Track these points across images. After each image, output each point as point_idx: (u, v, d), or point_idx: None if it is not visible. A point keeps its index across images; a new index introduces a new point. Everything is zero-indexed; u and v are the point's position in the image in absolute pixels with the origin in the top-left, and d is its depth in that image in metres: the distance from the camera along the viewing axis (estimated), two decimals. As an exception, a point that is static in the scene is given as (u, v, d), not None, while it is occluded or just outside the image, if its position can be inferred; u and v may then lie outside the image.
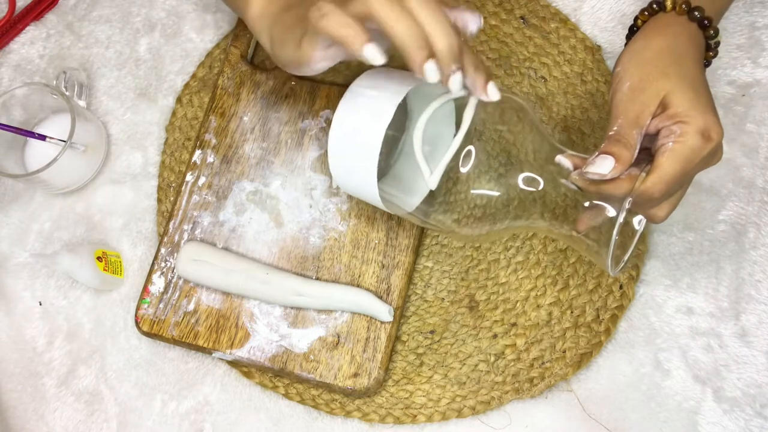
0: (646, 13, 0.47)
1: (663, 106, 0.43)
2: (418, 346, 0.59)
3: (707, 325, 0.56)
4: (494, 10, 0.65)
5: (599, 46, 0.63)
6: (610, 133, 0.43)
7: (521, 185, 0.46)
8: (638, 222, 0.48)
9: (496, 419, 0.57)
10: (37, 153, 0.65)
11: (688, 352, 0.56)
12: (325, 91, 0.62)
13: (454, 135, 0.46)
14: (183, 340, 0.59)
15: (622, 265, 0.47)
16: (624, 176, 0.42)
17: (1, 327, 0.65)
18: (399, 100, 0.46)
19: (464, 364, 0.58)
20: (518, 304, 0.58)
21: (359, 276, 0.58)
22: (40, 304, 0.65)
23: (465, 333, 0.58)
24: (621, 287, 0.57)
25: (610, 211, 0.44)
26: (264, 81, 0.64)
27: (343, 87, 0.50)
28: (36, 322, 0.65)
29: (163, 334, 0.59)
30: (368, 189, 0.48)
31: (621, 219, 0.42)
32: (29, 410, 0.63)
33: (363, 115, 0.47)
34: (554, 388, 0.57)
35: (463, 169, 0.46)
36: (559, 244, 0.59)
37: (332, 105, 0.62)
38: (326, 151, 0.50)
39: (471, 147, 0.46)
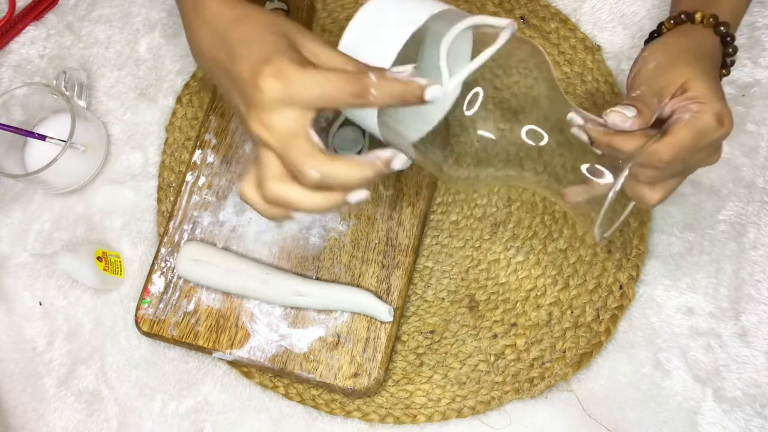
0: (673, 21, 0.49)
1: (683, 89, 0.44)
2: (418, 346, 0.59)
3: (707, 325, 0.56)
4: (494, 10, 0.65)
5: (599, 46, 0.63)
6: (633, 95, 0.45)
7: (527, 134, 0.44)
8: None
9: (496, 419, 0.57)
10: (37, 153, 0.65)
11: (688, 352, 0.56)
12: (325, 91, 0.62)
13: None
14: (183, 340, 0.59)
15: (609, 232, 0.46)
16: (639, 133, 0.43)
17: (1, 327, 0.65)
18: (434, 11, 0.42)
19: (464, 364, 0.58)
20: (518, 304, 0.58)
21: (359, 276, 0.58)
22: (40, 304, 0.65)
23: (465, 333, 0.58)
24: (621, 287, 0.57)
25: (608, 177, 0.43)
26: (264, 81, 0.64)
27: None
28: (36, 322, 0.65)
29: (163, 334, 0.59)
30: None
31: (622, 180, 0.41)
32: (29, 410, 0.63)
33: (388, 19, 0.43)
34: (554, 388, 0.57)
35: (468, 112, 0.43)
36: (559, 244, 0.59)
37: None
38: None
39: (479, 89, 0.43)
